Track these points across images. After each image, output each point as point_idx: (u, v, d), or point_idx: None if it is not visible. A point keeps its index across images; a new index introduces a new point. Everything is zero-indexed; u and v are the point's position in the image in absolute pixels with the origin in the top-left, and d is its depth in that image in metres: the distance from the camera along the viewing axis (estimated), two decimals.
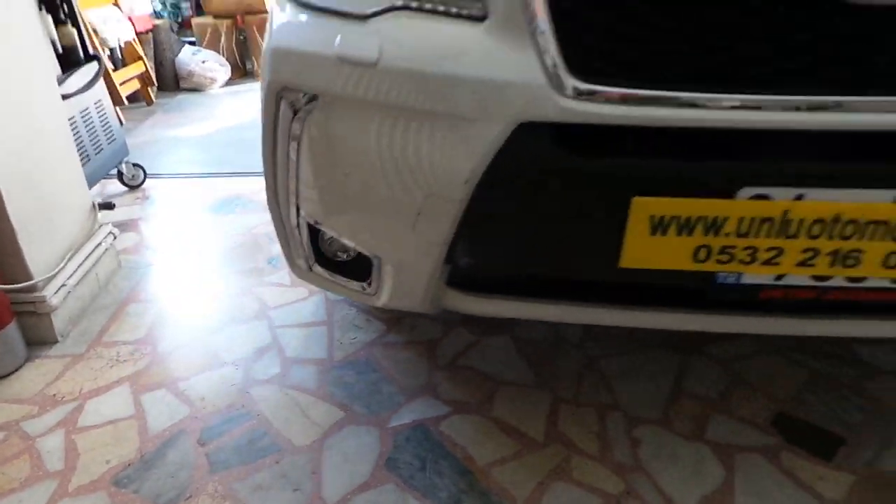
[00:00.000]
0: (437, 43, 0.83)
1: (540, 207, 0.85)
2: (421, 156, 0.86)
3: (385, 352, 1.58)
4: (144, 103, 3.70)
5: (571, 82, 0.77)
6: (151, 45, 3.83)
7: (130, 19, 3.48)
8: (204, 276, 1.94)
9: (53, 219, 1.63)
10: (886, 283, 0.86)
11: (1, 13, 1.44)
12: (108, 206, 1.88)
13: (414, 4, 0.85)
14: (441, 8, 0.85)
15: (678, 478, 1.21)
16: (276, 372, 1.51)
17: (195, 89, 4.02)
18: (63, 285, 1.63)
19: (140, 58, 3.53)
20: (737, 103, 0.75)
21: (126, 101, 3.35)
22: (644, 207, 0.81)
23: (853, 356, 1.52)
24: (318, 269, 1.20)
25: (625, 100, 0.77)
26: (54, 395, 1.44)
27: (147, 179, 2.58)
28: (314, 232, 1.15)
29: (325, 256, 1.19)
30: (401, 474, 1.22)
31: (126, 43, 3.41)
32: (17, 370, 1.51)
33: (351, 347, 1.59)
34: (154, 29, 3.85)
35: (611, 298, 0.99)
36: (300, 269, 1.23)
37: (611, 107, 0.77)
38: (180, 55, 4.02)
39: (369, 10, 0.89)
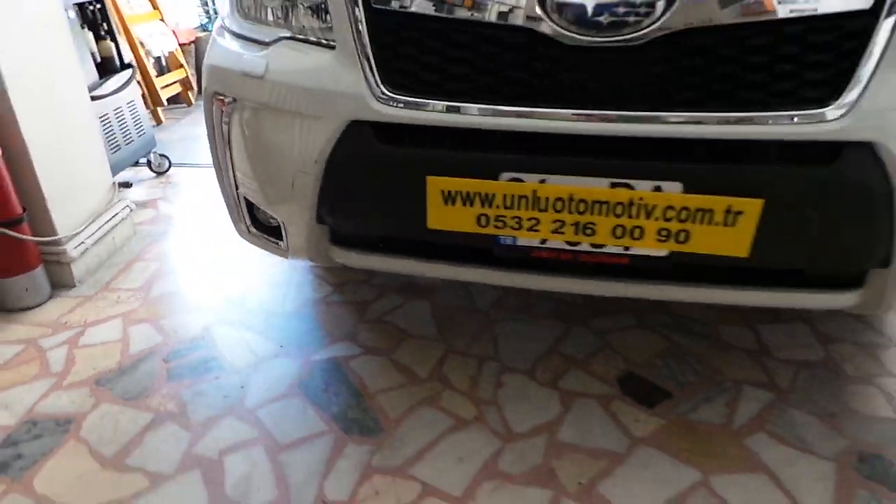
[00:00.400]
0: (302, 63, 1.19)
1: (369, 182, 1.19)
2: (291, 142, 1.21)
3: (326, 308, 1.94)
4: (185, 105, 4.21)
5: (383, 93, 1.12)
6: (194, 55, 4.35)
7: (174, 32, 4.00)
8: (203, 244, 2.35)
9: (78, 191, 2.07)
10: (624, 250, 1.15)
11: (38, 32, 1.89)
12: (126, 185, 2.32)
13: (288, 35, 1.21)
14: (311, 39, 1.21)
15: (521, 412, 1.51)
16: (236, 317, 1.89)
17: None
18: (82, 243, 2.06)
19: (182, 65, 4.05)
20: (487, 112, 1.08)
21: (166, 103, 3.85)
22: (436, 184, 1.14)
23: (713, 334, 1.78)
24: (253, 231, 1.56)
25: (417, 106, 1.11)
26: (66, 322, 1.87)
27: (172, 168, 3.04)
28: (250, 203, 1.52)
29: (259, 222, 1.56)
30: (307, 393, 1.58)
31: (170, 52, 3.93)
32: (42, 304, 1.95)
33: (300, 303, 1.96)
34: (197, 40, 4.37)
35: (445, 257, 1.32)
36: (242, 231, 1.60)
37: (408, 111, 1.11)
38: None
39: (268, 39, 1.26)
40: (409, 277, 2.09)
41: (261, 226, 1.54)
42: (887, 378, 1.60)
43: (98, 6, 2.54)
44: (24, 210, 1.86)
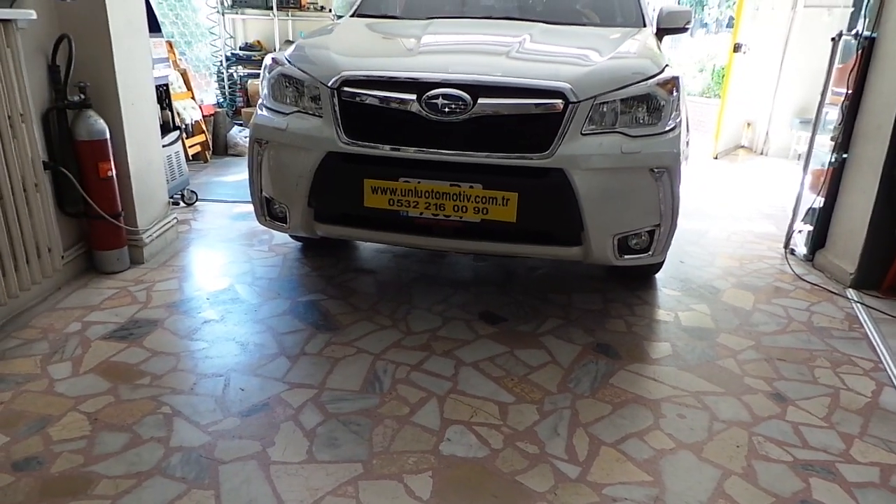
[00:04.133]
0: (305, 124, 2.40)
1: (336, 183, 2.38)
2: (296, 162, 2.40)
3: (305, 278, 3.07)
4: (202, 161, 5.43)
5: (344, 139, 2.32)
6: (212, 124, 5.60)
7: (200, 107, 5.27)
8: (220, 244, 3.49)
9: (150, 203, 3.22)
10: (459, 218, 2.33)
11: (141, 105, 3.11)
12: (175, 203, 3.46)
13: (298, 110, 2.42)
14: (310, 112, 2.42)
15: (418, 325, 2.63)
16: (247, 280, 3.01)
17: (238, 155, 5.73)
18: (150, 236, 3.19)
19: (203, 131, 5.29)
20: (393, 149, 2.28)
21: (191, 158, 5.06)
22: (368, 183, 2.32)
23: (543, 297, 2.94)
24: (268, 218, 2.72)
25: (359, 146, 2.31)
26: (142, 279, 2.97)
27: (199, 201, 4.20)
28: (268, 201, 2.68)
29: (273, 213, 2.71)
30: (295, 313, 2.69)
31: (196, 121, 5.17)
32: (124, 270, 3.05)
33: (288, 275, 3.09)
34: (215, 114, 5.63)
35: (375, 227, 2.49)
36: (262, 219, 2.74)
37: (356, 148, 2.31)
38: (231, 132, 5.78)
39: (288, 111, 2.47)
40: (360, 262, 3.25)
41: (273, 215, 2.70)
42: (631, 317, 2.78)
43: (164, 88, 3.78)
44: (122, 209, 3.00)
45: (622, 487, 1.74)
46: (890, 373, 2.38)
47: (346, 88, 2.32)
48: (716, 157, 6.72)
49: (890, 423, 2.08)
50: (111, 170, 2.87)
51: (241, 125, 6.02)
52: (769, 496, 1.73)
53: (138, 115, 3.06)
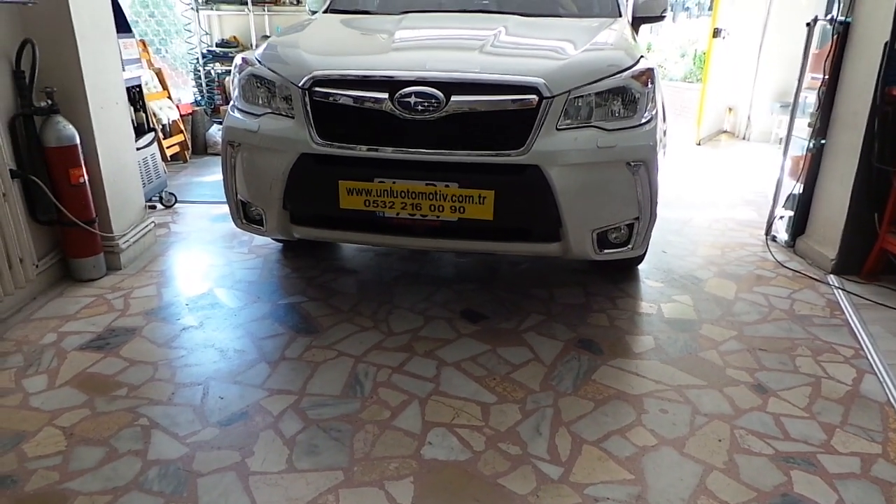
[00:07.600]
0: (276, 124, 2.36)
1: (311, 185, 2.34)
2: (270, 164, 2.36)
3: (285, 279, 3.04)
4: (182, 161, 5.35)
5: (317, 139, 2.28)
6: (191, 123, 5.53)
7: (178, 106, 5.20)
8: (200, 247, 3.44)
9: (125, 208, 3.17)
10: (436, 217, 2.30)
11: (113, 108, 3.05)
12: (153, 206, 3.41)
13: (270, 111, 2.38)
14: (282, 113, 2.38)
15: (399, 324, 2.61)
16: (227, 284, 2.97)
17: (218, 154, 5.65)
18: (127, 241, 3.14)
19: (182, 131, 5.22)
20: (366, 149, 2.25)
21: (169, 159, 4.98)
22: (343, 185, 2.29)
23: (525, 292, 2.93)
24: (244, 221, 2.67)
25: (333, 147, 2.27)
26: (119, 286, 2.92)
27: (178, 203, 4.14)
28: (244, 204, 2.64)
29: (249, 216, 2.67)
30: (275, 317, 2.65)
31: (173, 121, 5.09)
32: (101, 277, 3.00)
33: (268, 277, 3.06)
34: (193, 113, 5.56)
35: (351, 228, 2.46)
36: (238, 222, 2.70)
37: (329, 149, 2.28)
38: (210, 130, 5.71)
39: (260, 113, 2.43)
40: (342, 261, 3.22)
41: (249, 218, 2.66)
42: (613, 310, 2.77)
43: (137, 89, 3.71)
44: (96, 215, 2.94)
45: (604, 487, 1.73)
46: (870, 359, 2.39)
47: (317, 88, 2.28)
48: (699, 144, 6.73)
49: (870, 410, 2.09)
50: (83, 176, 2.81)
51: (220, 123, 5.94)
52: (751, 491, 1.73)
53: (109, 118, 3.01)
